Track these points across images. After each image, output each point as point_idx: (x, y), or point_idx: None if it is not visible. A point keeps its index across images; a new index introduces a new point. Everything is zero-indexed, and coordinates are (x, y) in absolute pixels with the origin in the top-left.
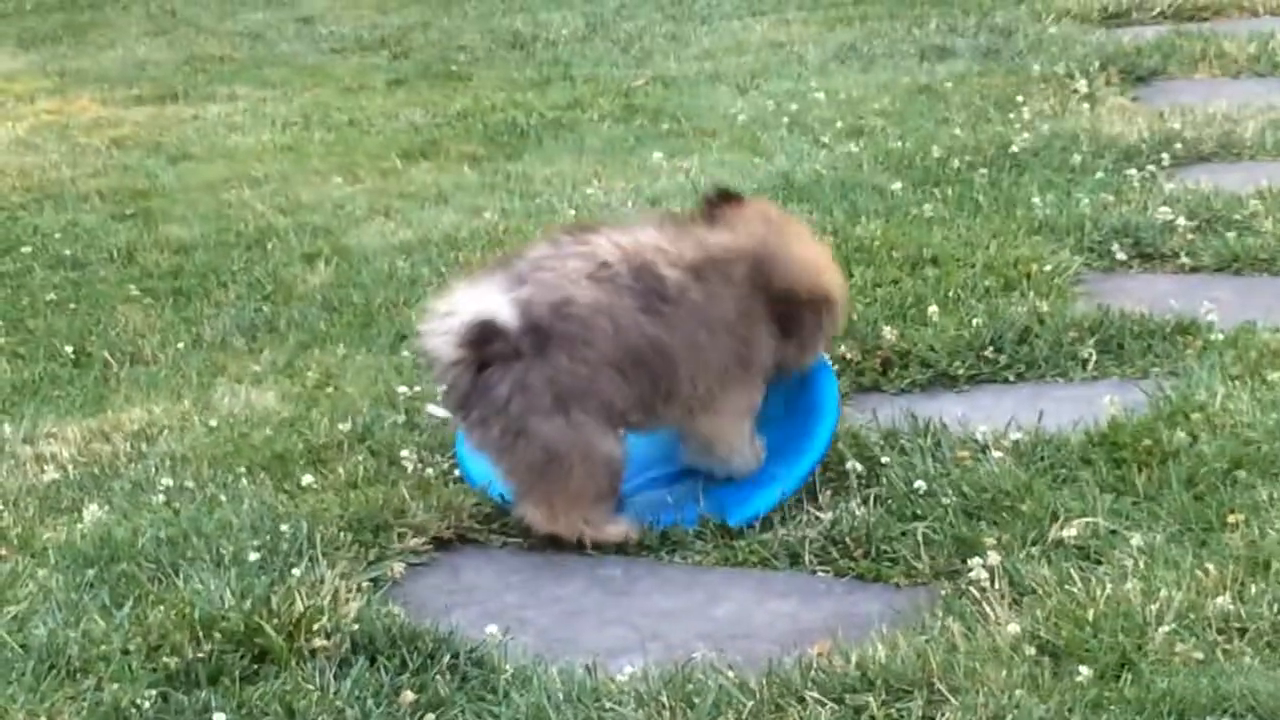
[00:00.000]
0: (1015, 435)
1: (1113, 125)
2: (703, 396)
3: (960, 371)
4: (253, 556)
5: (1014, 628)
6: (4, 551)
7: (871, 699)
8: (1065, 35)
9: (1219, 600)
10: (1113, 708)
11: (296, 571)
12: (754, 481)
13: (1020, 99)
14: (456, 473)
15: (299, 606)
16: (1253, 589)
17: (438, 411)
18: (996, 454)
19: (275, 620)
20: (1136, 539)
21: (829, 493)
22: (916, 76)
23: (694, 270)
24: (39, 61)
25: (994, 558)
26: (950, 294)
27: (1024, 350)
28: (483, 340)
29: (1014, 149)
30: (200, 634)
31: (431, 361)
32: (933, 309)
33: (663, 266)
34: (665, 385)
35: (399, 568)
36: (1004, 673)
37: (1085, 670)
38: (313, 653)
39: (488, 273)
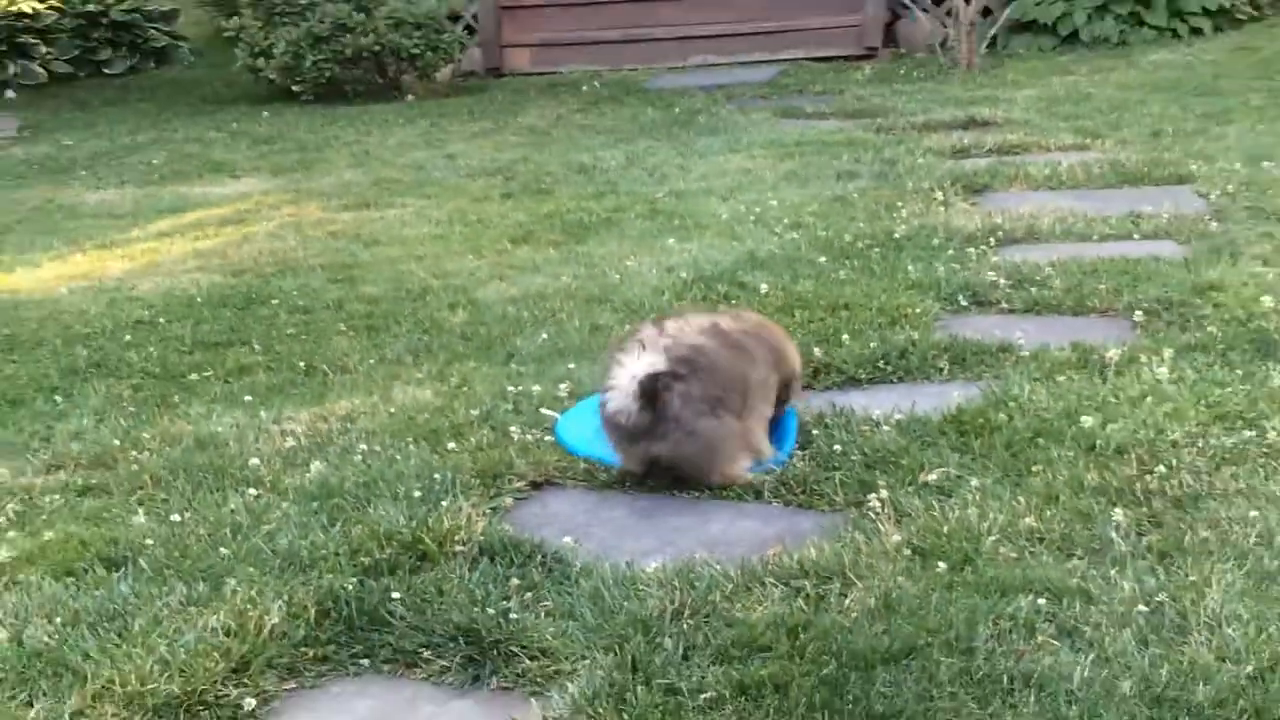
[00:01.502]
0: (898, 416)
1: (959, 220)
2: (751, 406)
3: (863, 376)
4: (416, 494)
5: (897, 538)
6: (261, 491)
7: (807, 583)
8: (929, 164)
9: (1026, 520)
10: (959, 588)
11: (444, 504)
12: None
13: (900, 204)
14: (547, 439)
15: (446, 525)
16: (1047, 513)
17: (549, 414)
18: (886, 428)
19: (431, 534)
20: (974, 481)
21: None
22: (835, 190)
23: (744, 333)
24: (283, 183)
25: (884, 494)
26: (857, 327)
27: (903, 363)
28: (656, 385)
29: (896, 235)
30: (384, 543)
31: (619, 413)
32: (846, 337)
33: (730, 330)
34: (743, 400)
35: (509, 501)
36: (890, 566)
37: (942, 564)
38: (454, 554)
39: (630, 349)
